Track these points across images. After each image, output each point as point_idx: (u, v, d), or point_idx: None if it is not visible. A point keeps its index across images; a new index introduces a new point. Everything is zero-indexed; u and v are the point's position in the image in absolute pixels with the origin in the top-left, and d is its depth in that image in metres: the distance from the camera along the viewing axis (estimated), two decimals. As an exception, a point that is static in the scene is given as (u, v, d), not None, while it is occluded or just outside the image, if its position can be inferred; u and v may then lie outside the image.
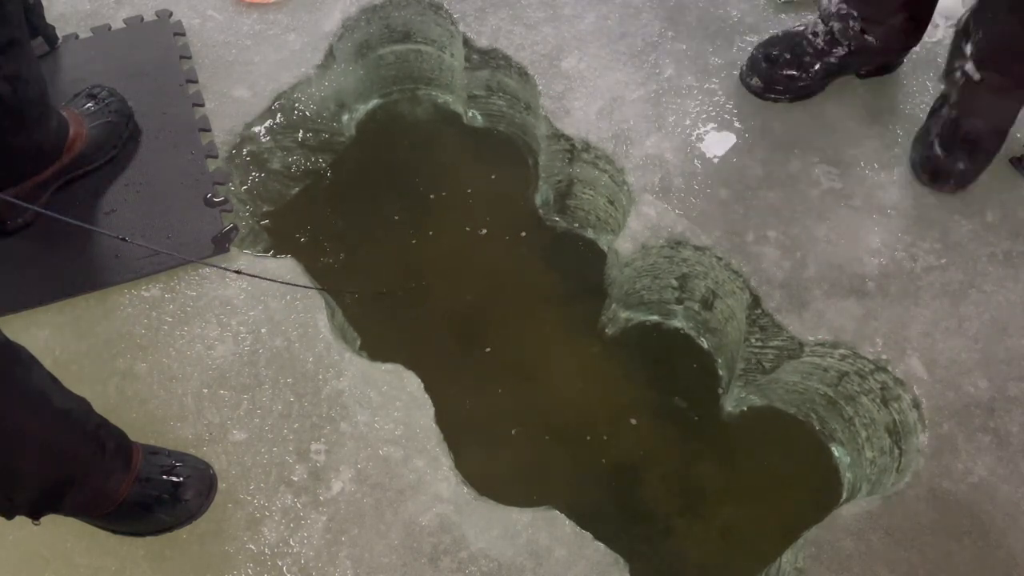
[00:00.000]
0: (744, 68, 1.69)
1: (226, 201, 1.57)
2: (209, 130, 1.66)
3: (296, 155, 1.86)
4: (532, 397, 1.67)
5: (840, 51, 1.60)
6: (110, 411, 1.17)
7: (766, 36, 1.71)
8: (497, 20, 1.82)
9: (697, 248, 1.51)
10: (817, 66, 1.62)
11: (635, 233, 1.52)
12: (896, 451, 1.38)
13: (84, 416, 1.09)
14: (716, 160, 1.59)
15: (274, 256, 1.53)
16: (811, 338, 1.40)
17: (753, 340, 1.49)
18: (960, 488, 1.26)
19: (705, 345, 1.71)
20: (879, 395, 1.41)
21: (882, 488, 1.34)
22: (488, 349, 1.73)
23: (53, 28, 1.76)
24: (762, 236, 1.50)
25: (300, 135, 1.84)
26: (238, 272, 1.32)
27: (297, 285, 1.43)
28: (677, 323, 1.74)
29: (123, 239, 1.10)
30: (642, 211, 1.54)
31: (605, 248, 1.82)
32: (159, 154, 1.63)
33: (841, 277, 1.45)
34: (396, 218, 1.90)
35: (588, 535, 1.26)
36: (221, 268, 1.41)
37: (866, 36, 1.55)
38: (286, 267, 1.50)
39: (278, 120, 1.76)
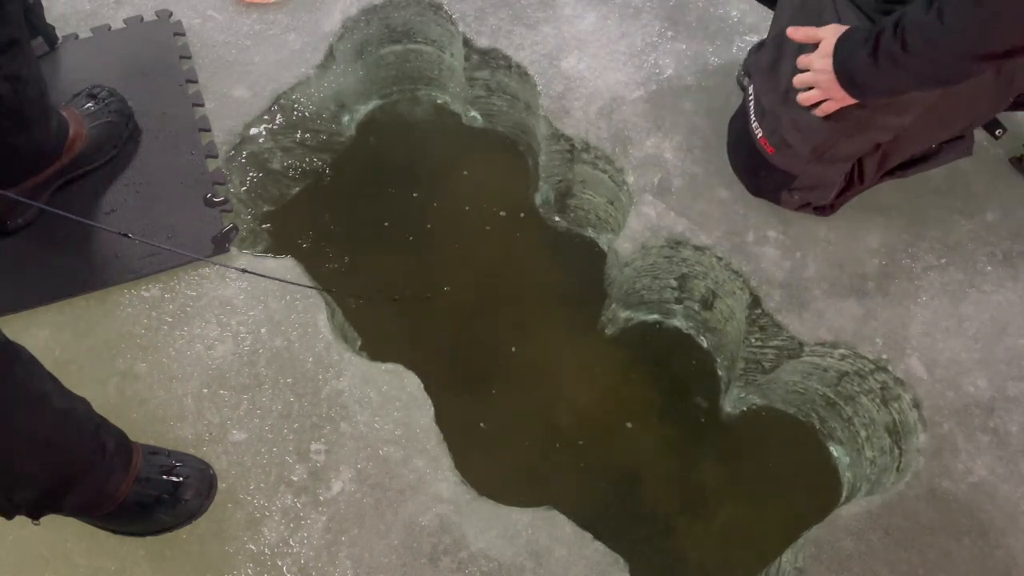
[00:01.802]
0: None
1: (226, 201, 1.57)
2: (209, 130, 1.66)
3: (296, 155, 1.86)
4: (532, 396, 1.67)
5: None
6: (110, 411, 1.17)
7: (766, 36, 1.71)
8: (497, 20, 1.82)
9: (697, 248, 1.51)
10: None
11: (635, 233, 1.52)
12: (896, 451, 1.38)
13: (84, 416, 1.09)
14: (716, 160, 1.59)
15: (274, 256, 1.53)
16: (811, 338, 1.40)
17: (753, 340, 1.49)
18: (960, 488, 1.26)
19: (705, 345, 1.71)
20: (879, 395, 1.41)
21: (882, 488, 1.34)
22: (488, 349, 1.73)
23: (53, 28, 1.76)
24: (762, 236, 1.50)
25: (300, 135, 1.84)
26: (243, 270, 1.32)
27: (304, 285, 1.43)
28: (677, 323, 1.74)
29: (126, 235, 1.10)
30: (642, 211, 1.54)
31: (605, 248, 1.82)
32: (159, 154, 1.63)
33: (841, 277, 1.45)
34: (396, 218, 1.90)
35: (588, 535, 1.26)
36: (223, 265, 1.40)
37: None
38: (286, 267, 1.50)
39: (278, 120, 1.76)
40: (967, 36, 1.00)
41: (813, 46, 1.23)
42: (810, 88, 1.25)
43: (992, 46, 1.01)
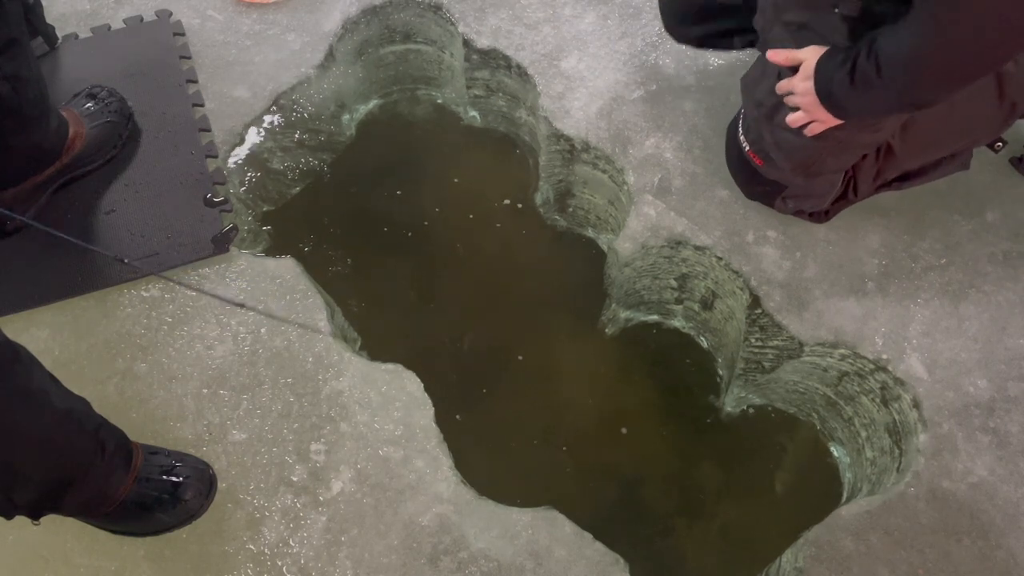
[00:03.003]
0: None
1: (226, 201, 1.57)
2: (209, 130, 1.66)
3: (296, 155, 1.86)
4: (532, 396, 1.67)
5: None
6: (110, 411, 1.17)
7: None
8: (497, 20, 1.82)
9: (697, 248, 1.51)
10: None
11: (635, 233, 1.52)
12: (896, 451, 1.38)
13: (84, 416, 1.09)
14: (716, 160, 1.59)
15: (274, 256, 1.53)
16: (811, 338, 1.40)
17: (753, 340, 1.49)
18: (960, 488, 1.26)
19: (705, 345, 1.71)
20: (879, 395, 1.41)
21: (882, 488, 1.34)
22: (488, 348, 1.73)
23: (53, 28, 1.76)
24: (762, 236, 1.50)
25: (300, 135, 1.84)
26: (241, 305, 1.33)
27: (309, 328, 1.41)
28: (677, 323, 1.74)
29: (122, 260, 1.10)
30: (642, 211, 1.54)
31: (605, 248, 1.82)
32: (159, 154, 1.63)
33: (841, 277, 1.45)
34: (396, 218, 1.90)
35: (588, 535, 1.26)
36: (228, 302, 1.38)
37: None
38: (286, 267, 1.50)
39: (278, 120, 1.76)
40: (922, 60, 1.00)
41: (794, 69, 1.22)
42: (797, 109, 1.25)
43: (948, 70, 1.00)
